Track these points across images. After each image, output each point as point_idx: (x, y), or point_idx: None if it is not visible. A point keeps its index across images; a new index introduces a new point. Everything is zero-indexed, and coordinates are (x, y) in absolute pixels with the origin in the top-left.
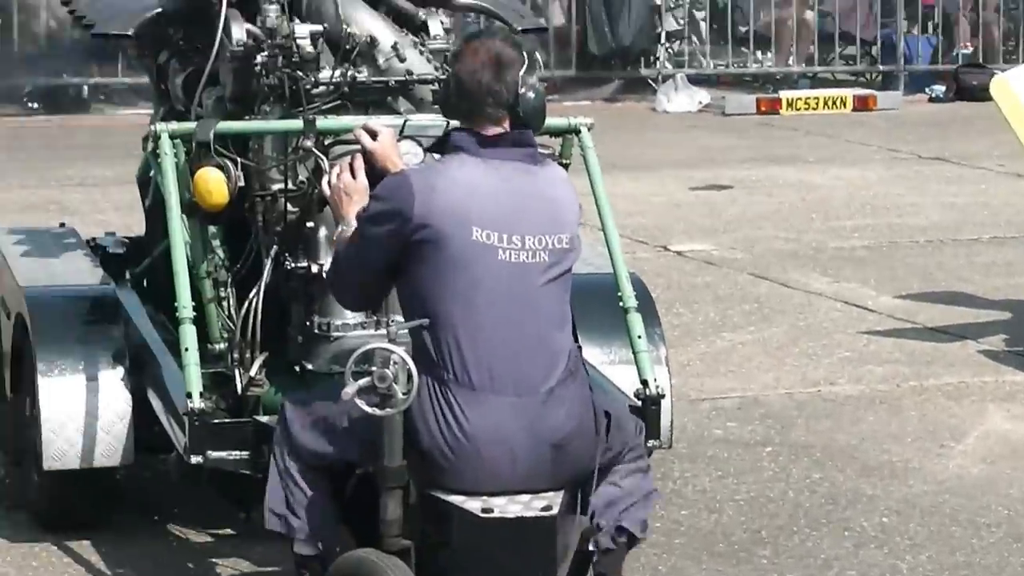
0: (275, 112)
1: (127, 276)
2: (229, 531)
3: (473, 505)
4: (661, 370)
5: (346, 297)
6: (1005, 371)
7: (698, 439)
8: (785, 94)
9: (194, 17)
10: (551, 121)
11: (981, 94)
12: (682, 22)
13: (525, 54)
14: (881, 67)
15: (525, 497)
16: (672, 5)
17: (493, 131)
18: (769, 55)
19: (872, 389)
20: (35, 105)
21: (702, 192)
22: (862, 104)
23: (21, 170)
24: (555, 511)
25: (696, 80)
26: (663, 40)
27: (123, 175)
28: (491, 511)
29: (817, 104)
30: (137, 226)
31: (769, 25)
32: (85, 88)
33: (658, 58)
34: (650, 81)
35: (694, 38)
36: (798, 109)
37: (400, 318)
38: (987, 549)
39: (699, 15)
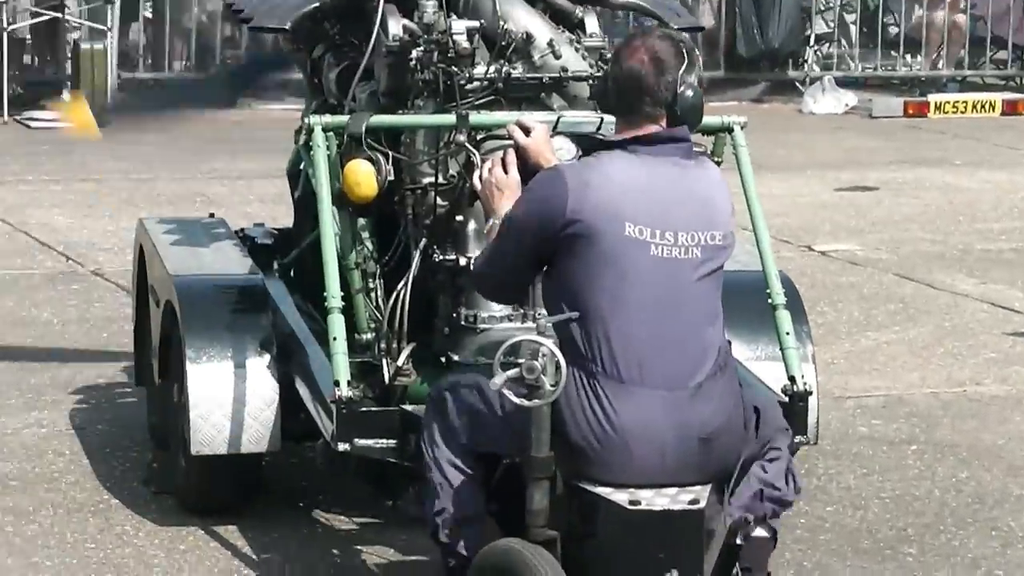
0: (428, 107)
1: (275, 266)
2: (374, 518)
3: (620, 497)
4: (808, 367)
5: (492, 290)
6: None
7: (843, 436)
8: (933, 97)
9: (351, 12)
10: (705, 119)
11: None
12: (832, 25)
13: (685, 52)
14: None
15: (672, 490)
16: (822, 8)
17: (649, 129)
18: (918, 58)
19: (1018, 390)
20: None
21: (847, 193)
22: (1011, 108)
23: (169, 163)
24: (702, 505)
25: (843, 83)
26: (812, 43)
27: (269, 169)
28: (638, 503)
29: (965, 108)
30: (283, 218)
31: (919, 28)
32: None
33: (806, 60)
34: (797, 83)
35: (843, 41)
36: (946, 112)
37: (546, 311)
38: None
39: (849, 18)
